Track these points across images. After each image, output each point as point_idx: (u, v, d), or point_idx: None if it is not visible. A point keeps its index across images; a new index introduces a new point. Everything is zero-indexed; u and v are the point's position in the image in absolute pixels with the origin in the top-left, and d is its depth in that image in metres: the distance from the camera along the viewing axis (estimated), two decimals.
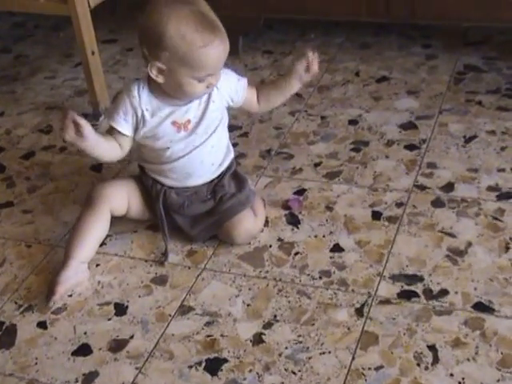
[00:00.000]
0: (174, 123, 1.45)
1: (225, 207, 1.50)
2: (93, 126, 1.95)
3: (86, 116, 2.00)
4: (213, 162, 1.52)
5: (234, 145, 1.81)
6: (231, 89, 1.49)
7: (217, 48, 1.36)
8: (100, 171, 1.81)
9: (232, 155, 1.56)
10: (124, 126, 1.44)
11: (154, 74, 1.38)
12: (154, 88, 1.44)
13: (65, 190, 1.76)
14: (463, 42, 2.19)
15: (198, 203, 1.52)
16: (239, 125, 1.88)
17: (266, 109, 1.63)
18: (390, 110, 1.92)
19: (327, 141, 1.82)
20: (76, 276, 1.45)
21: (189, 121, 1.45)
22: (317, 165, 1.74)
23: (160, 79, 1.39)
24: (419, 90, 1.99)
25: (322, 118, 1.92)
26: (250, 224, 1.52)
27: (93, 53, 1.93)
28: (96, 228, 1.49)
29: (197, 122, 1.46)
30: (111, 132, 1.46)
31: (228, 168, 1.55)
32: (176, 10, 1.34)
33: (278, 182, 1.70)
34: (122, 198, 1.51)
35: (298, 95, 2.03)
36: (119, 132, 1.45)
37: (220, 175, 1.54)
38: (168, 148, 1.46)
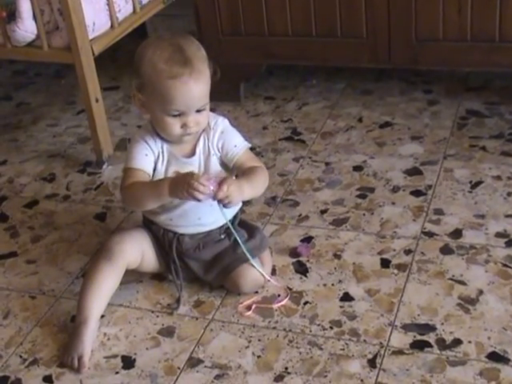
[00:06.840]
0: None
1: (241, 250, 1.48)
2: (96, 173, 1.98)
3: (89, 164, 2.04)
4: None
5: None
6: (223, 149, 1.47)
7: (185, 83, 1.36)
8: (104, 220, 1.79)
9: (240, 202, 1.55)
10: (147, 165, 1.44)
11: (137, 105, 1.43)
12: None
13: (69, 239, 1.74)
14: (464, 87, 2.21)
15: (212, 244, 1.51)
16: None
17: None
18: (395, 155, 1.92)
19: (333, 187, 1.82)
20: (94, 334, 1.43)
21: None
22: (323, 212, 1.73)
23: (143, 112, 1.44)
24: (423, 136, 1.99)
25: (327, 164, 1.92)
26: (257, 273, 1.50)
27: (97, 100, 1.93)
28: (114, 284, 1.47)
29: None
30: (130, 173, 1.45)
31: (236, 214, 1.54)
32: (157, 42, 1.40)
33: (284, 229, 1.69)
34: (137, 251, 1.49)
35: (301, 141, 2.03)
36: (144, 171, 1.44)
37: (230, 219, 1.52)
38: None
